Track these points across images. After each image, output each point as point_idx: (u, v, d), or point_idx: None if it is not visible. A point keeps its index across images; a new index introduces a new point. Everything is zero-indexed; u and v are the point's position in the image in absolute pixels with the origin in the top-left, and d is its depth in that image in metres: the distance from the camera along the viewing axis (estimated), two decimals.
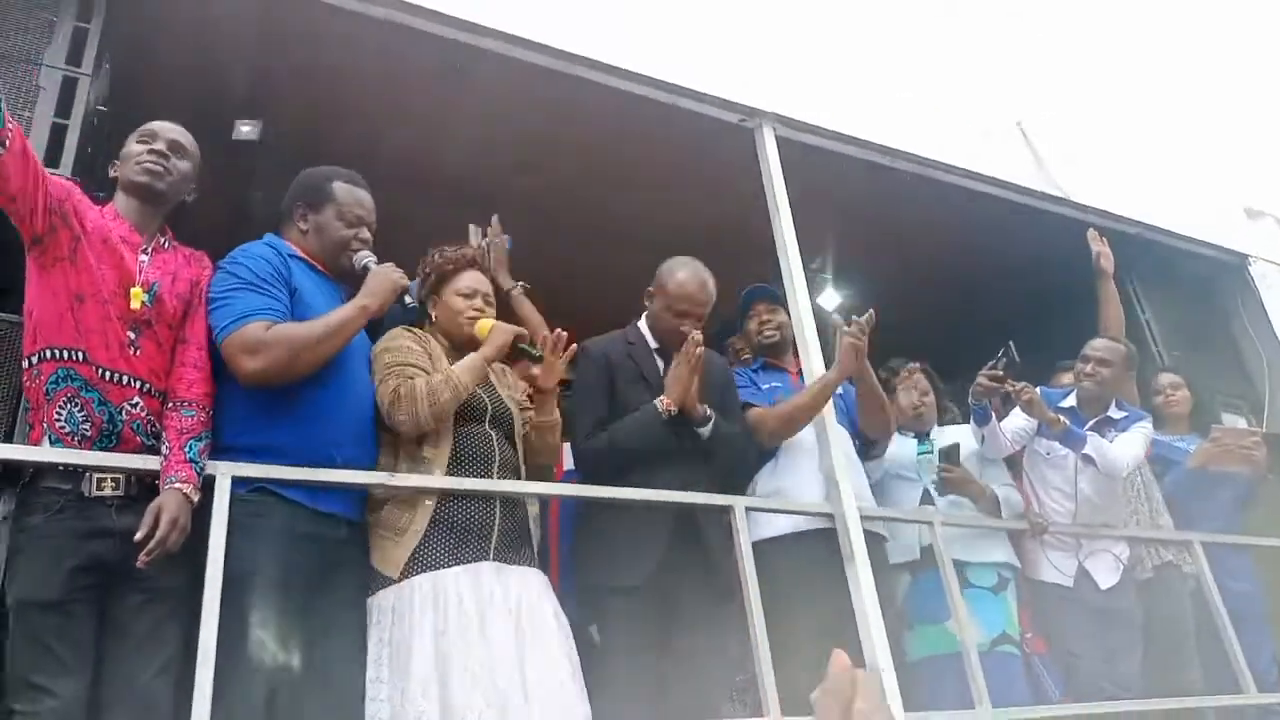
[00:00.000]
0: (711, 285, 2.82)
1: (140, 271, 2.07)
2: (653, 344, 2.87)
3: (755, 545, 2.62)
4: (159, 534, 1.84)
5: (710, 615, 2.61)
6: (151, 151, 2.16)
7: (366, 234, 2.40)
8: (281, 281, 2.21)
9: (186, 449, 1.99)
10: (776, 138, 3.41)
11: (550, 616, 2.27)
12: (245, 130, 3.60)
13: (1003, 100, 4.48)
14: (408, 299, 2.36)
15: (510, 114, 3.61)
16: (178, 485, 1.92)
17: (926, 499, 3.30)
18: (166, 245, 2.20)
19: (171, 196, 2.20)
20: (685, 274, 2.80)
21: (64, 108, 2.43)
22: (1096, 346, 3.52)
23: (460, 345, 2.50)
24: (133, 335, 2.01)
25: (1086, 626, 3.30)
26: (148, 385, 2.02)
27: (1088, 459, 3.27)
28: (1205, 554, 3.48)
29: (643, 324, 2.91)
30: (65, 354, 1.95)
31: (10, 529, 1.93)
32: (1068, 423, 3.27)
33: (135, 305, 2.02)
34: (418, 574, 2.21)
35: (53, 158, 2.34)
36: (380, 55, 3.23)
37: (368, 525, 2.30)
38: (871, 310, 2.90)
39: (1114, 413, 3.48)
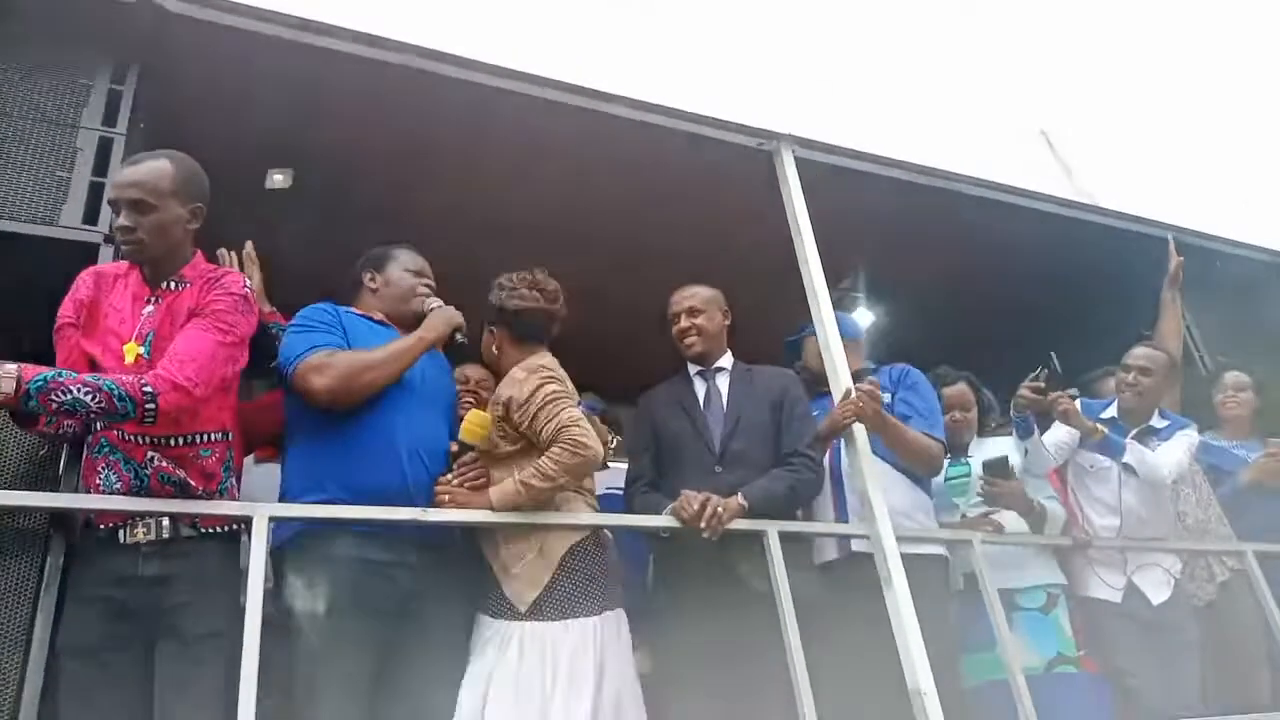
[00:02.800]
0: (688, 289, 3.07)
1: (138, 326, 2.09)
2: (692, 370, 3.03)
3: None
4: None
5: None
6: (118, 229, 2.11)
7: (430, 282, 2.64)
8: (337, 325, 2.41)
9: (63, 375, 1.86)
10: (796, 159, 3.41)
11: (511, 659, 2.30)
12: (278, 179, 3.70)
13: (1026, 107, 4.44)
14: (459, 336, 2.53)
15: (538, 151, 3.67)
16: (6, 366, 1.81)
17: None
18: (175, 286, 2.15)
19: (161, 250, 2.13)
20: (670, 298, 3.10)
21: (100, 167, 2.51)
22: (1137, 355, 3.44)
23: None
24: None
25: (1137, 643, 3.21)
26: (157, 439, 2.03)
27: (1128, 468, 3.20)
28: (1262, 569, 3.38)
29: None
30: (98, 424, 2.04)
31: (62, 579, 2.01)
32: (1106, 431, 3.21)
33: (129, 360, 2.05)
34: None
35: (90, 216, 2.44)
36: (410, 100, 3.30)
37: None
38: (873, 384, 2.92)
39: (1156, 422, 3.41)
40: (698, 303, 3.03)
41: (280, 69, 3.01)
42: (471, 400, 3.02)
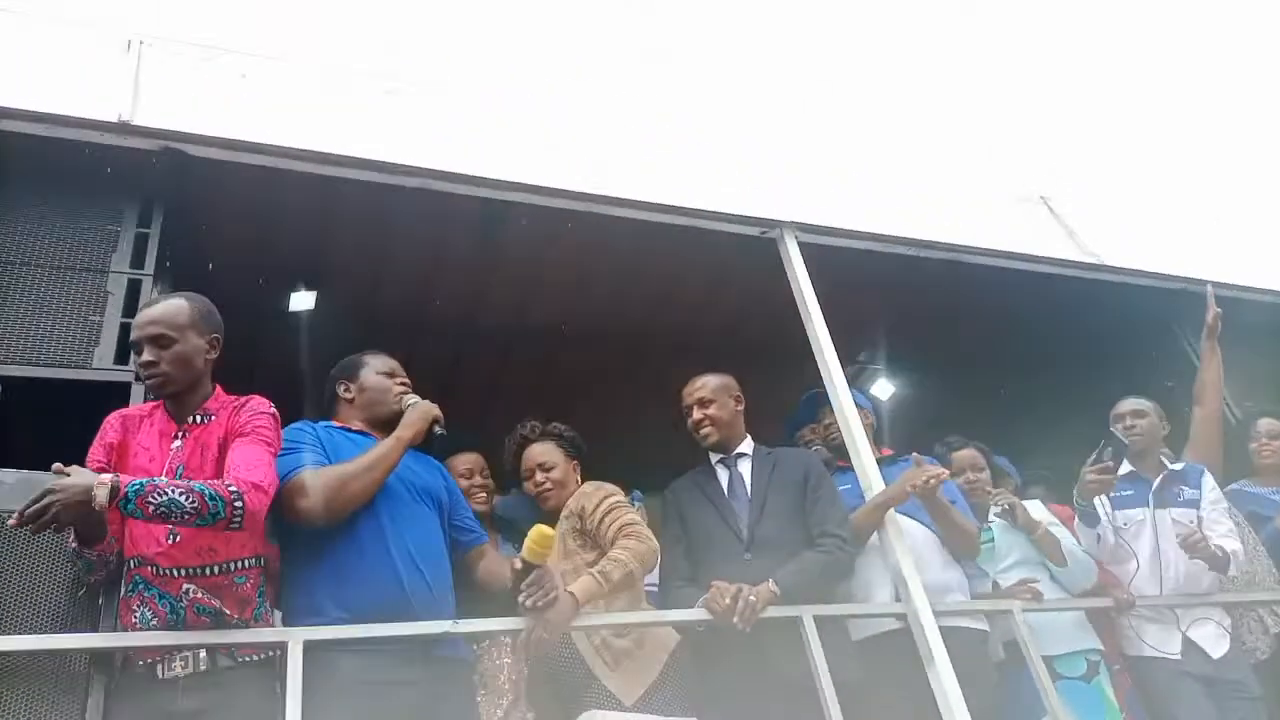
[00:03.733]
0: (697, 381, 3.08)
1: (168, 461, 2.13)
2: (713, 459, 3.04)
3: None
4: (37, 503, 1.78)
5: None
6: (142, 365, 2.17)
7: (405, 381, 2.62)
8: (316, 442, 2.40)
9: (158, 480, 1.92)
10: (799, 244, 3.48)
11: None
12: (301, 301, 3.83)
13: (1024, 175, 4.52)
14: (437, 429, 2.51)
15: (548, 255, 3.77)
16: (102, 476, 1.85)
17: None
18: (201, 420, 2.20)
19: (185, 381, 2.19)
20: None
21: (130, 309, 2.59)
22: (1125, 405, 3.49)
23: None
24: (170, 525, 2.03)
25: (1202, 700, 3.10)
26: (193, 570, 2.06)
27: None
28: None
29: None
30: (131, 563, 2.09)
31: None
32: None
33: None
34: None
35: (122, 356, 2.52)
36: (423, 219, 3.42)
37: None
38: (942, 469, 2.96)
39: (1173, 465, 3.42)
40: (707, 393, 3.04)
41: (297, 200, 3.15)
42: (482, 490, 3.03)
